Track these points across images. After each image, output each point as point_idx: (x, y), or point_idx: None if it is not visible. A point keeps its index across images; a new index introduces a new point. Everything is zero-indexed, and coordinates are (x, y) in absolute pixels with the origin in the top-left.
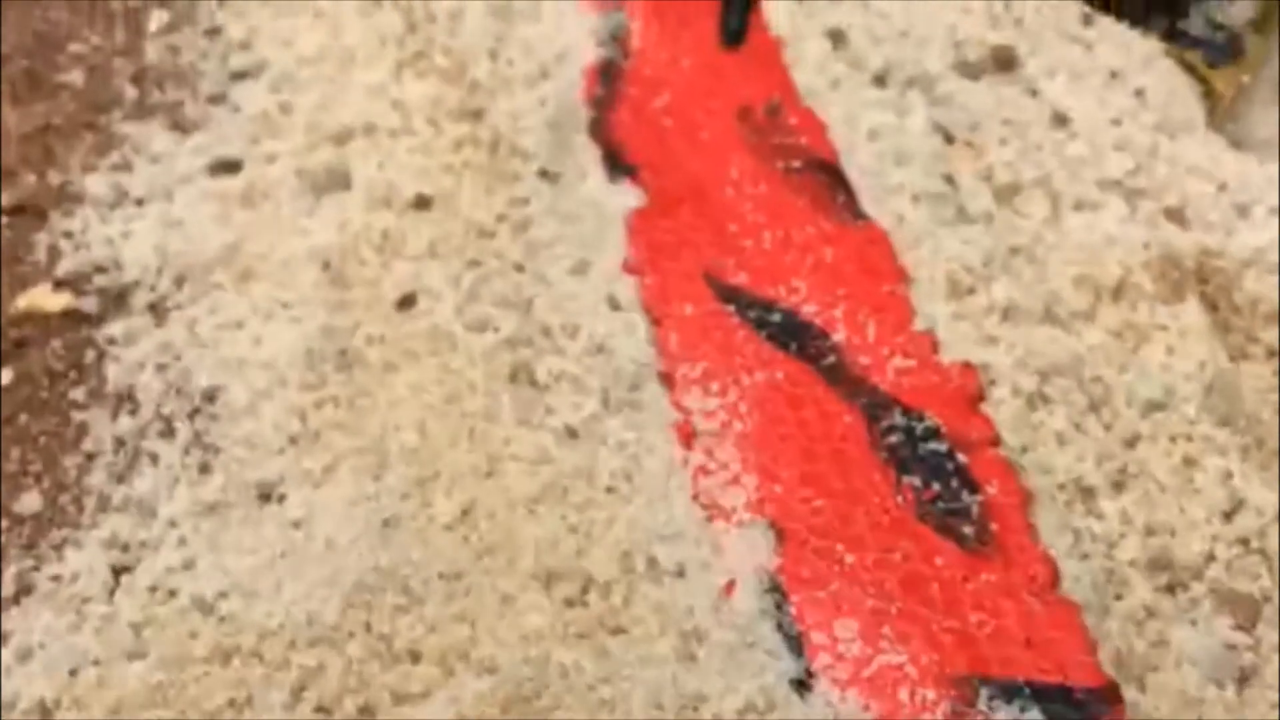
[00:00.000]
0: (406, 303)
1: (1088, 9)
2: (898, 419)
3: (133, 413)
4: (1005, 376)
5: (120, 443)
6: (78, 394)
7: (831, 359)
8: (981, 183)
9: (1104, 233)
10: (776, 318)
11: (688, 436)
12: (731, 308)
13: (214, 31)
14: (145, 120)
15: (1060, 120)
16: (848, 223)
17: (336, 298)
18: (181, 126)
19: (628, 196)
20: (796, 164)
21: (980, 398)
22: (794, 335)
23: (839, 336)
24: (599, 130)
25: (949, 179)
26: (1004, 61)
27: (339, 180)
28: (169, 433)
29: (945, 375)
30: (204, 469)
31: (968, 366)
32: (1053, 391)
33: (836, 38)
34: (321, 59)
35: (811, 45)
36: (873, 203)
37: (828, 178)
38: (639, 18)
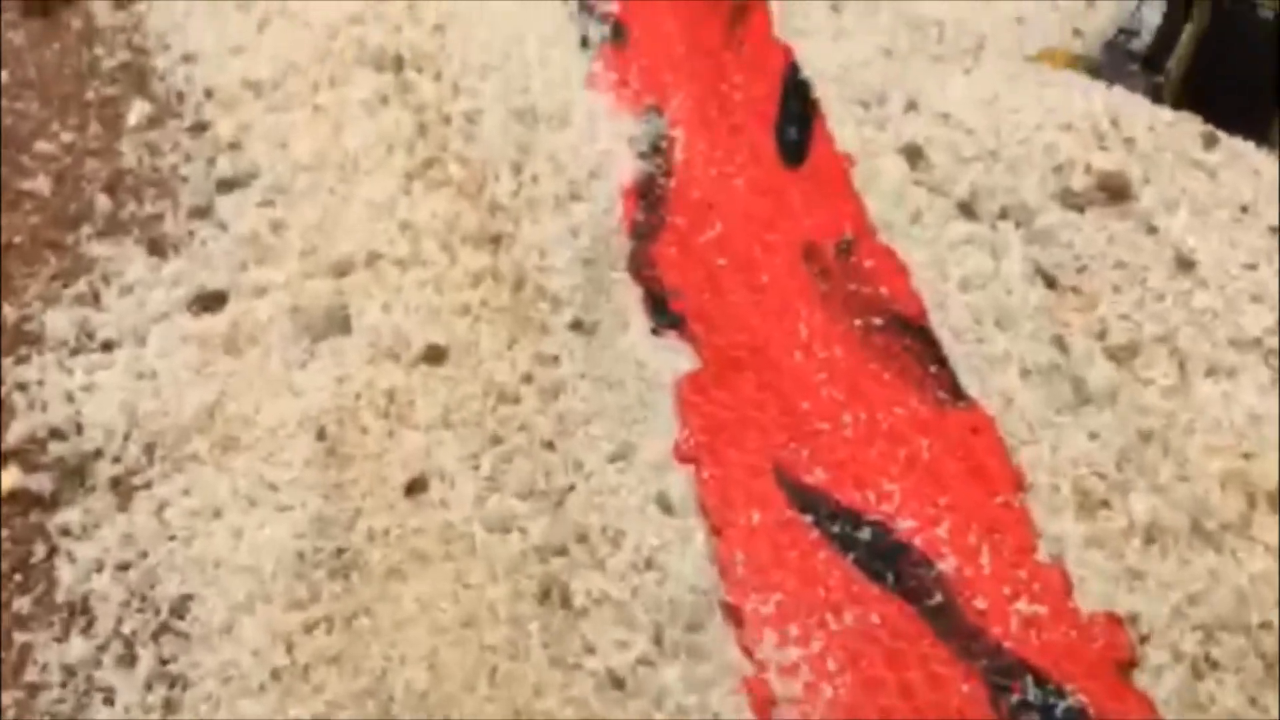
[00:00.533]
0: (416, 488)
1: (1208, 127)
2: (1031, 692)
3: (87, 630)
4: (1160, 632)
5: (70, 673)
6: (22, 604)
7: (939, 597)
8: (1094, 342)
9: (1245, 407)
10: (865, 534)
11: (764, 704)
12: (809, 517)
13: (200, 128)
14: (118, 239)
15: (1183, 263)
16: (945, 404)
17: (333, 479)
18: (159, 248)
19: (677, 355)
20: (877, 321)
21: (1132, 663)
22: (889, 561)
23: (946, 565)
24: (640, 266)
25: (1059, 341)
26: (1114, 191)
27: (338, 323)
28: (129, 659)
29: (1086, 631)
30: (168, 708)
31: (1113, 620)
32: (1220, 653)
33: (914, 156)
34: (320, 165)
35: (885, 165)
36: (971, 374)
37: (915, 341)
38: (682, 124)
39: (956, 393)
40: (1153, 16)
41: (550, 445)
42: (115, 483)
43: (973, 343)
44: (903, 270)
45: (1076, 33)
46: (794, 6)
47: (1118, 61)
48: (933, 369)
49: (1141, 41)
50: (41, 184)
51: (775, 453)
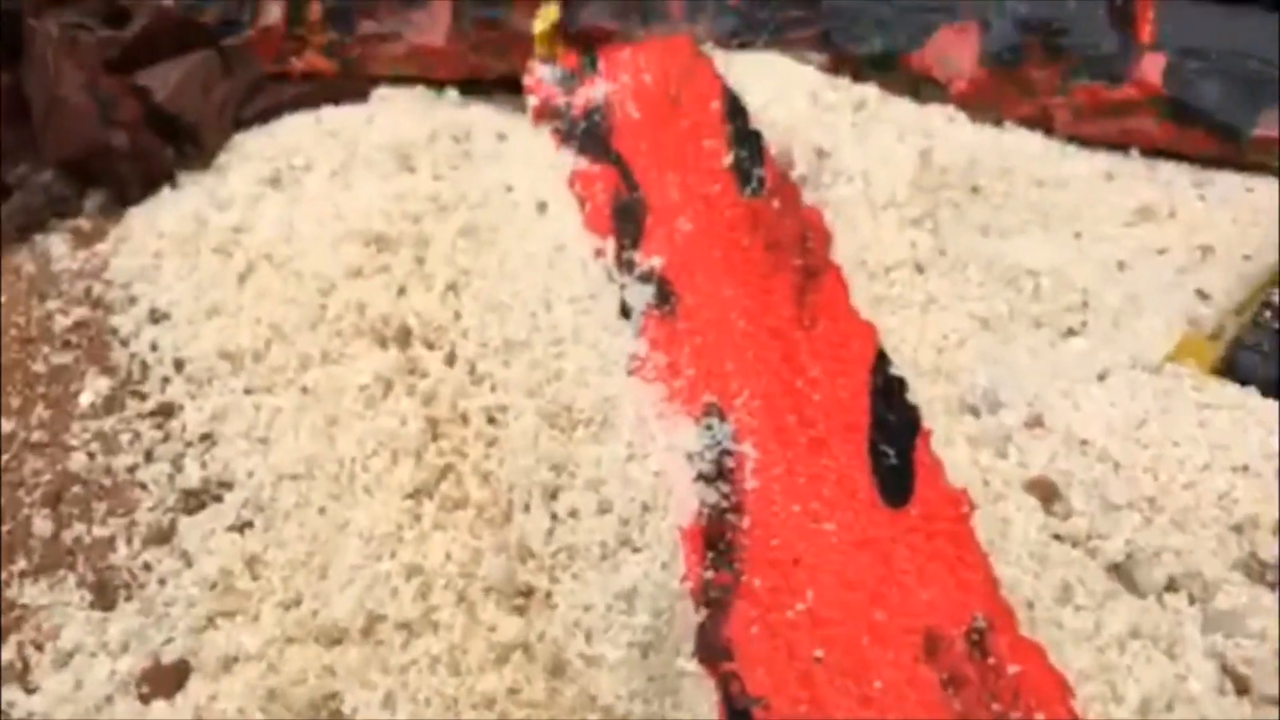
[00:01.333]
0: None
1: None
2: None
3: None
4: None
5: None
6: None
7: None
8: None
9: None
10: None
11: None
12: None
13: (165, 413)
14: (58, 577)
15: None
16: None
17: None
18: (106, 593)
19: None
20: None
21: None
22: None
23: None
24: (713, 653)
25: None
26: None
27: None
28: None
29: None
30: None
31: None
32: None
33: (1048, 495)
34: (308, 474)
35: (1014, 510)
36: None
37: None
38: (751, 436)
39: None
40: None
41: None
42: None
43: None
44: (1060, 683)
45: (1201, 295)
46: (871, 265)
47: (1268, 344)
48: None
49: None
50: None
51: None
